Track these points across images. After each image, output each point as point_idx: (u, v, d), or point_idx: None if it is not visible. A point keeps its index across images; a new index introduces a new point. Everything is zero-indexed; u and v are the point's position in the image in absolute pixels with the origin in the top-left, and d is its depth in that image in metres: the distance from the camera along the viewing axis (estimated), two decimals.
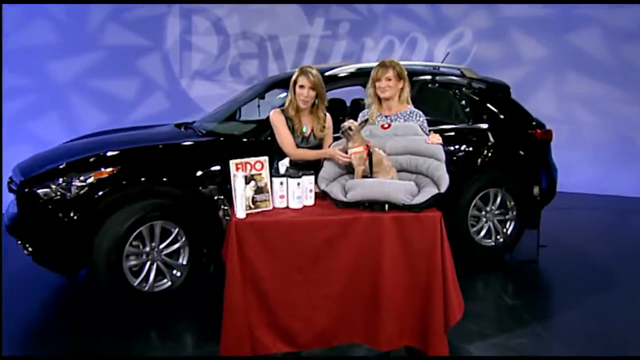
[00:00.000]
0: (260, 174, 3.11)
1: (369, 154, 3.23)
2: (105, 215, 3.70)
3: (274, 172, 3.23)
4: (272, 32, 8.33)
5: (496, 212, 4.84)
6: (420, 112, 3.59)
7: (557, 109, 7.77)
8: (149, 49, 7.84)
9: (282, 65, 8.25)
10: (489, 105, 4.90)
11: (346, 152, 3.30)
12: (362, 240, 2.98)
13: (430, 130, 3.53)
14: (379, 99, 3.59)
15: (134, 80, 7.76)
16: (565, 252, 5.22)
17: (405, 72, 3.57)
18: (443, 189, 3.08)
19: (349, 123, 3.29)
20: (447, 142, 4.44)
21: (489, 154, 4.75)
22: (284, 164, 3.23)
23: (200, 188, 3.94)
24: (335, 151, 3.37)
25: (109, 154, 3.95)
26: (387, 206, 3.02)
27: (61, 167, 3.81)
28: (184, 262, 3.94)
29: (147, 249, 3.82)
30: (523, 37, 7.91)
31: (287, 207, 3.16)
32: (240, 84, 7.91)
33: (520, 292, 4.35)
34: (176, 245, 3.92)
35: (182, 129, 4.79)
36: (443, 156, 3.21)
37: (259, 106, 4.85)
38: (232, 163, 3.05)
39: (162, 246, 3.87)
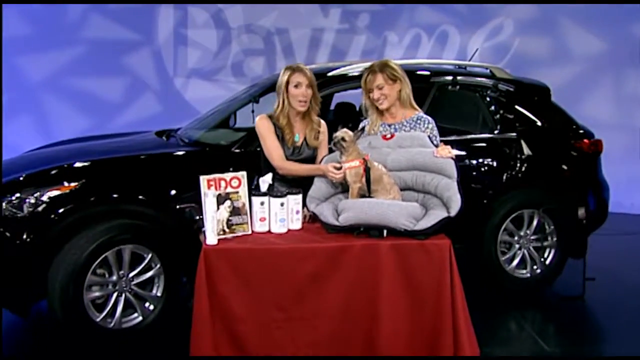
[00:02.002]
0: (237, 192, 3.09)
1: (366, 169, 3.18)
2: (66, 237, 3.68)
3: (254, 190, 3.20)
4: (281, 24, 8.35)
5: (532, 237, 4.73)
6: (430, 119, 3.54)
7: (616, 114, 7.60)
8: (137, 44, 7.92)
9: (292, 63, 8.23)
10: (523, 110, 4.81)
11: (340, 168, 3.27)
12: (355, 272, 2.94)
13: (441, 141, 3.48)
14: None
15: (120, 79, 7.85)
16: (618, 287, 5.04)
17: (401, 71, 3.53)
18: (453, 212, 3.02)
19: (342, 133, 3.26)
20: (472, 154, 4.49)
21: (523, 169, 4.65)
22: (265, 181, 3.20)
23: (179, 207, 3.91)
24: (327, 168, 3.34)
25: (75, 165, 3.95)
26: (385, 232, 2.98)
27: (17, 180, 3.80)
28: (159, 294, 3.90)
29: (114, 277, 3.78)
30: (575, 28, 7.78)
31: (269, 232, 3.14)
32: (243, 84, 7.88)
33: (561, 336, 4.20)
34: (149, 274, 3.88)
35: (163, 138, 4.79)
36: (455, 173, 3.15)
37: (253, 111, 4.82)
38: (203, 179, 3.04)
39: (132, 274, 3.83)
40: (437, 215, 3.01)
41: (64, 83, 7.58)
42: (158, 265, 3.88)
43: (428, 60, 5.00)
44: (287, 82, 3.53)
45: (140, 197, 3.88)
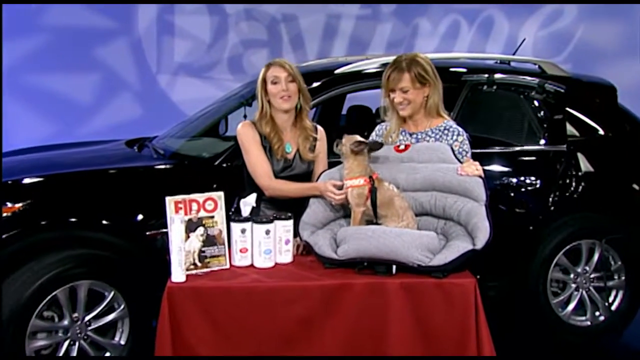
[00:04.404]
0: (211, 217, 3.10)
1: (372, 190, 3.18)
2: (6, 271, 3.68)
3: (234, 215, 3.21)
4: (289, 10, 8.39)
5: (592, 275, 4.68)
6: (461, 130, 3.53)
7: None
8: (113, 33, 7.96)
9: (302, 57, 8.27)
10: (580, 115, 4.79)
11: (342, 187, 3.27)
12: (356, 317, 2.93)
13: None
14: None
15: (91, 76, 7.89)
16: None
17: (433, 72, 3.52)
18: (480, 244, 2.99)
19: (346, 139, 3.29)
20: (514, 171, 4.49)
21: (580, 189, 4.62)
22: (248, 203, 3.19)
23: (149, 234, 3.92)
24: (326, 186, 3.33)
25: (24, 181, 3.97)
26: (394, 268, 2.95)
27: None
28: (122, 341, 3.91)
29: (66, 322, 3.76)
30: None
31: (252, 266, 3.14)
32: (242, 82, 7.94)
33: None
34: (111, 317, 3.87)
35: (135, 149, 4.85)
36: (483, 195, 3.13)
37: (245, 116, 4.85)
38: (169, 201, 3.04)
39: (88, 318, 3.83)
40: (459, 247, 2.97)
41: (21, 81, 7.61)
42: (122, 306, 3.89)
43: (461, 54, 4.97)
44: (264, 80, 3.58)
45: (104, 221, 3.89)
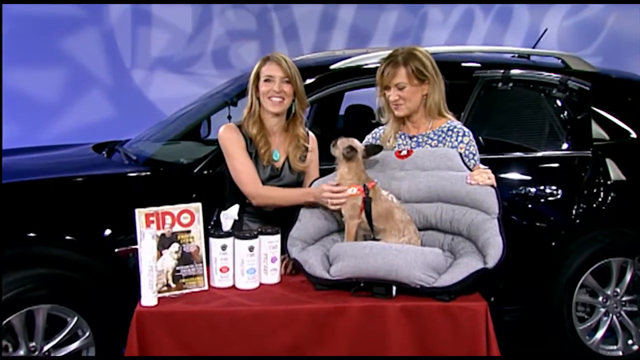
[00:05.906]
0: (188, 232, 3.09)
1: (366, 201, 3.19)
2: None
3: (213, 229, 3.20)
4: None
5: (624, 298, 4.69)
6: (466, 130, 3.53)
7: None
8: (81, 22, 7.96)
9: (296, 50, 8.28)
10: (609, 116, 4.81)
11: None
12: (351, 345, 2.92)
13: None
14: None
15: (56, 71, 7.89)
16: None
17: (433, 68, 3.53)
18: (492, 262, 2.98)
19: (340, 141, 3.31)
20: (534, 179, 4.51)
21: (609, 200, 4.64)
22: (229, 216, 3.19)
23: (117, 251, 3.92)
24: (321, 191, 3.33)
25: None
26: (394, 289, 2.95)
27: None
28: None
29: (22, 352, 3.76)
30: None
31: (233, 287, 3.13)
32: (228, 78, 7.94)
33: None
34: (74, 346, 3.87)
35: (103, 154, 4.87)
36: (496, 206, 3.13)
37: (229, 117, 4.86)
38: (139, 213, 3.03)
39: (48, 347, 3.82)
40: (468, 265, 2.97)
41: None
42: (87, 334, 3.88)
43: (474, 47, 4.99)
44: (257, 76, 3.58)
45: (67, 237, 3.90)
